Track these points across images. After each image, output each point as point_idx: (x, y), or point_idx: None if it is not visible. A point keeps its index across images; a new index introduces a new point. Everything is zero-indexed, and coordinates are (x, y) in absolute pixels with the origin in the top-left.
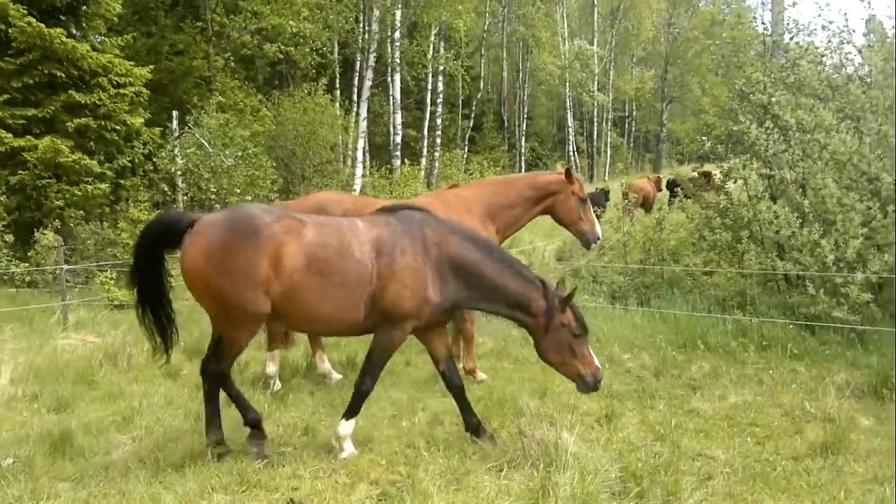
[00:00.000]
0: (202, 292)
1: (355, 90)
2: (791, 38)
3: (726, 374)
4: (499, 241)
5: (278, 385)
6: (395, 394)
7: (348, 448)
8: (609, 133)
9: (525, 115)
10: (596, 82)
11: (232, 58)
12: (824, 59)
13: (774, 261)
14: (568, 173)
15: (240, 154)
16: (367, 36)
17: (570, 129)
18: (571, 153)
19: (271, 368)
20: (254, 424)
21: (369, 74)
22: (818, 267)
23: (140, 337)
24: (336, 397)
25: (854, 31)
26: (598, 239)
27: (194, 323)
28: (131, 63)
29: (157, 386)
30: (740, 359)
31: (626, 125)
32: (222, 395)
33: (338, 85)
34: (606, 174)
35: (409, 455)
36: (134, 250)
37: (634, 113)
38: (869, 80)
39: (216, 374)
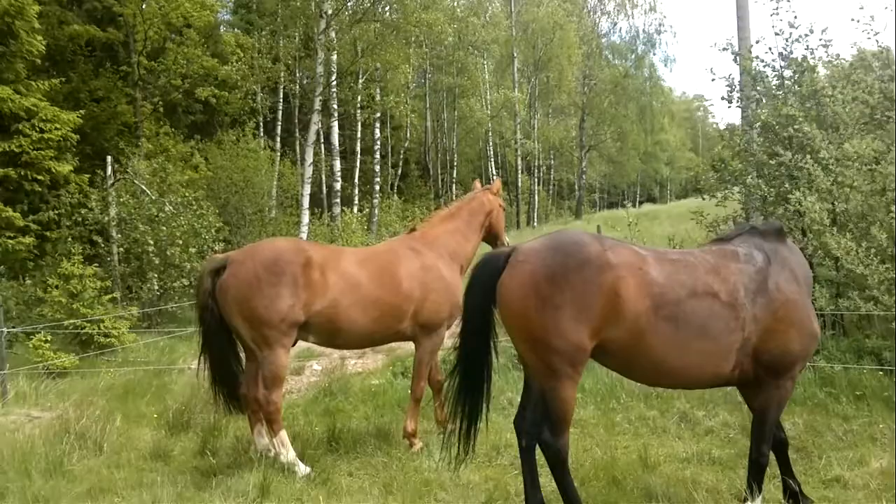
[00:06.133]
0: (520, 329)
1: (278, 137)
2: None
3: (829, 430)
4: None
5: (305, 468)
6: (470, 476)
7: None
8: (532, 181)
9: (453, 164)
10: (518, 131)
11: (161, 103)
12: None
13: (853, 299)
14: (494, 187)
15: (179, 201)
16: (311, 80)
17: (493, 177)
18: None
19: (285, 453)
20: None
21: (315, 118)
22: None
23: (107, 411)
24: (381, 474)
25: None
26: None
27: (170, 393)
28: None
29: (146, 472)
30: (835, 412)
31: (543, 174)
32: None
33: (276, 131)
34: (535, 221)
35: None
36: (464, 307)
37: (552, 162)
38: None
39: (555, 450)
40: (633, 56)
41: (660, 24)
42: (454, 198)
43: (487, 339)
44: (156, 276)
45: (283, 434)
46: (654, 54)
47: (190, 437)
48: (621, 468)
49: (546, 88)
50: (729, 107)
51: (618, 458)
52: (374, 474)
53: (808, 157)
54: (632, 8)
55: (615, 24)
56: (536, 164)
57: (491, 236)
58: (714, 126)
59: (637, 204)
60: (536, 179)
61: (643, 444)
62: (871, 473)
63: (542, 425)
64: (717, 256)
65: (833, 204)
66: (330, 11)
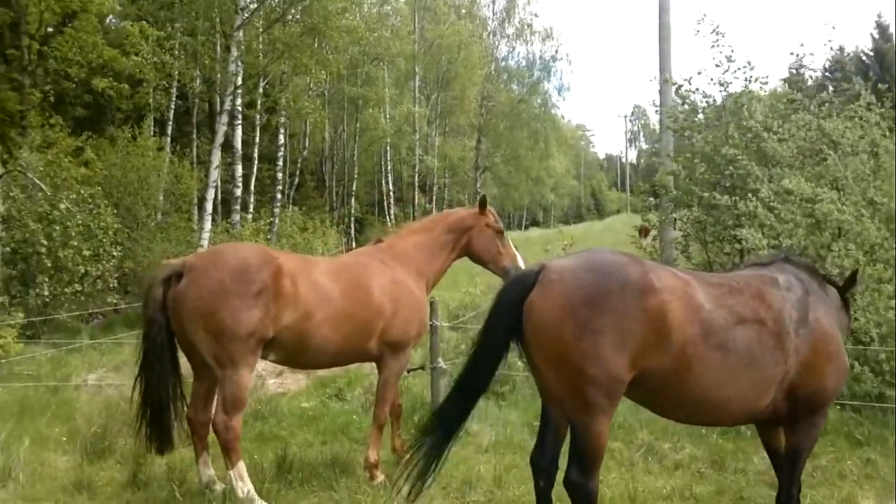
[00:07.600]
0: (553, 356)
1: (169, 137)
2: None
3: None
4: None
5: (258, 500)
6: None
7: None
8: (428, 199)
9: (354, 176)
10: (418, 147)
11: (52, 91)
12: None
13: None
14: (482, 204)
15: (75, 198)
16: (219, 79)
17: (391, 192)
18: (390, 217)
19: (242, 486)
20: None
21: (224, 119)
22: (851, 341)
23: (9, 433)
24: None
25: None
26: None
27: (77, 413)
28: None
29: None
30: None
31: (437, 192)
32: None
33: (167, 130)
34: None
35: None
36: (485, 329)
37: (447, 181)
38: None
39: (586, 492)
40: (528, 81)
41: (555, 52)
42: (352, 211)
43: (495, 368)
44: (46, 280)
45: (242, 465)
46: (549, 81)
47: (111, 465)
48: None
49: (448, 107)
50: (675, 134)
51: (604, 495)
52: None
53: (750, 194)
54: (530, 34)
55: (513, 48)
56: (433, 181)
57: (475, 257)
58: (594, 154)
59: (524, 227)
60: (433, 197)
61: (618, 479)
62: None
63: (556, 463)
64: (759, 281)
65: (779, 240)
66: (243, 5)
